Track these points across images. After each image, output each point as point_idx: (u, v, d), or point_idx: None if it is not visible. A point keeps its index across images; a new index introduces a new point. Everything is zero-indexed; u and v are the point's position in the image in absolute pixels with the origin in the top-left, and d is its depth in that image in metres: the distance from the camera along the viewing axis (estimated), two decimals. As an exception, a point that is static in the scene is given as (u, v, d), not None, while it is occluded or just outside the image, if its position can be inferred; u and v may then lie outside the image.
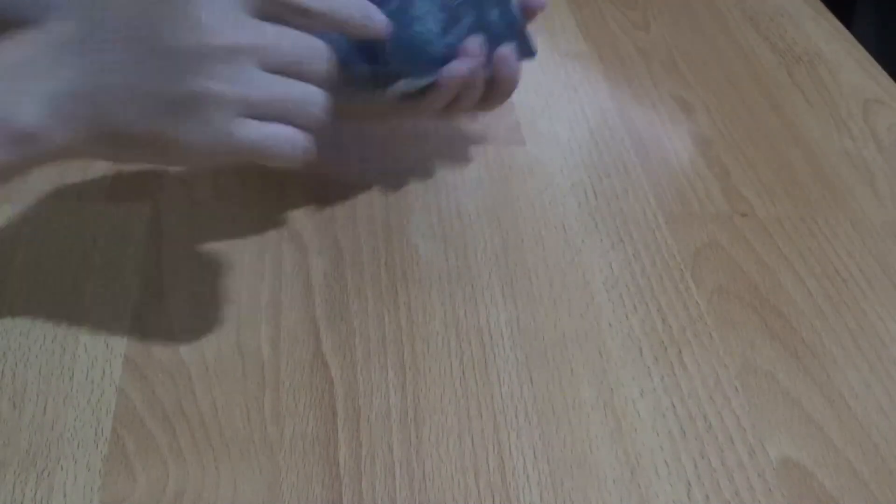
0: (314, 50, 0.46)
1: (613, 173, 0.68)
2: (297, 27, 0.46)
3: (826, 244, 0.64)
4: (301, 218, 0.61)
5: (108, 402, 0.49)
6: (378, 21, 0.49)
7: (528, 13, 0.61)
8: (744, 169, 0.70)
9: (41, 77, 0.43)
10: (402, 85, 0.55)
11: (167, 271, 0.56)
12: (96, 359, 0.51)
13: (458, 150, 0.68)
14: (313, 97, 0.46)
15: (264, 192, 0.63)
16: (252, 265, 0.57)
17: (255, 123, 0.44)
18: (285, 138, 0.45)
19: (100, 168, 0.62)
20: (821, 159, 0.72)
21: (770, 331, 0.57)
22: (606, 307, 0.57)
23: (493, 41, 0.57)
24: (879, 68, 0.84)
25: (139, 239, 0.58)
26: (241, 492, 0.45)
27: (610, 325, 0.56)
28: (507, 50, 0.58)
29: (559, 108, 0.75)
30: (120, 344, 0.52)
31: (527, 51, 0.59)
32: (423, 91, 0.56)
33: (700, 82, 0.80)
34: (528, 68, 0.78)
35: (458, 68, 0.56)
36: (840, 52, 0.86)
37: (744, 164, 0.71)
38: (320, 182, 0.63)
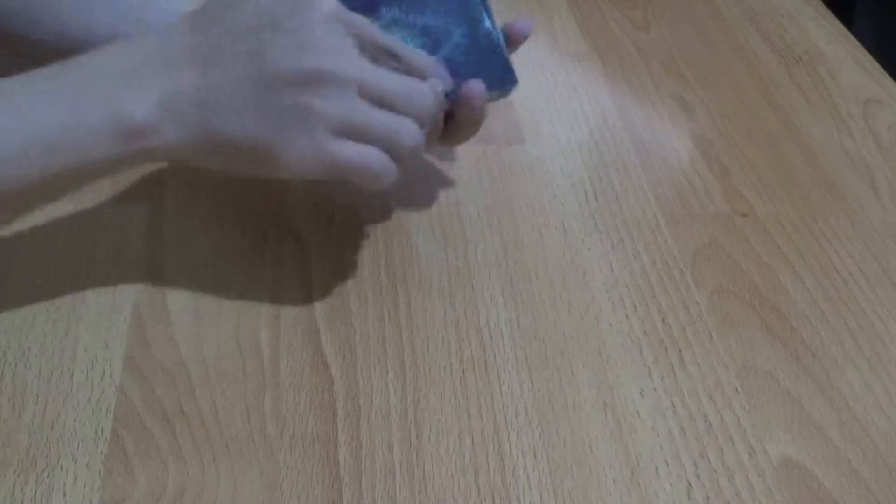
0: (414, 90, 0.50)
1: (613, 173, 0.68)
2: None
3: (826, 244, 0.64)
4: (301, 218, 0.61)
5: (108, 402, 0.49)
6: (444, 86, 0.52)
7: (513, 40, 0.58)
8: (744, 169, 0.70)
9: (158, 78, 0.46)
10: None
11: (167, 271, 0.56)
12: (96, 359, 0.51)
13: (458, 151, 0.68)
14: (410, 130, 0.49)
15: (264, 192, 0.63)
16: (252, 265, 0.57)
17: (352, 144, 0.47)
18: (379, 162, 0.48)
19: (100, 168, 0.62)
20: (821, 159, 0.72)
21: (770, 331, 0.57)
22: (606, 307, 0.57)
23: (472, 67, 0.54)
24: (879, 68, 0.84)
25: (139, 239, 0.58)
26: (241, 492, 0.45)
27: (610, 325, 0.56)
28: (474, 86, 0.54)
29: (559, 107, 0.75)
30: (120, 344, 0.52)
31: (510, 78, 0.56)
32: None
33: (700, 82, 0.80)
34: (528, 68, 0.78)
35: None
36: (840, 52, 0.86)
37: (744, 164, 0.71)
38: (320, 182, 0.63)
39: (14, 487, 0.44)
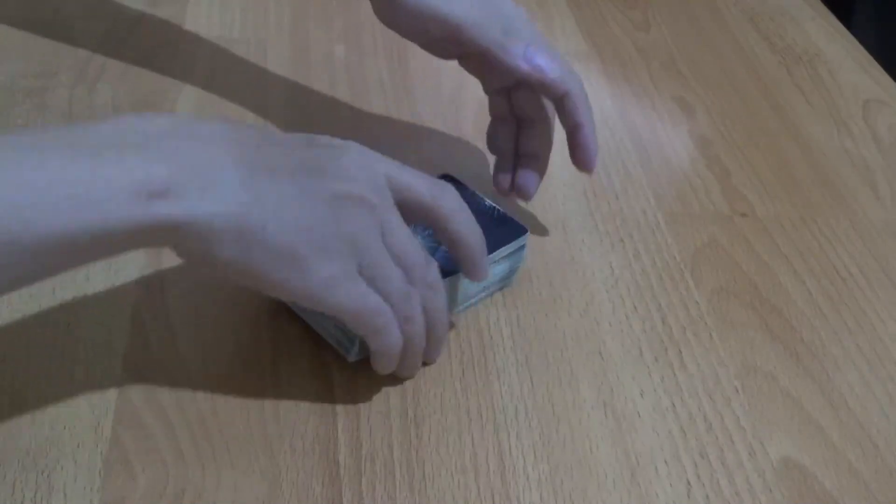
0: (428, 260, 0.48)
1: (613, 173, 0.68)
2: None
3: (826, 244, 0.64)
4: (301, 218, 0.61)
5: (107, 402, 0.49)
6: (483, 269, 0.51)
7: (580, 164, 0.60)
8: (744, 169, 0.70)
9: (192, 144, 0.43)
10: None
11: (167, 271, 0.56)
12: (96, 359, 0.51)
13: (458, 151, 0.68)
14: (434, 278, 0.48)
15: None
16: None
17: (361, 288, 0.46)
18: (386, 320, 0.46)
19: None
20: (821, 159, 0.72)
21: (770, 331, 0.57)
22: (606, 307, 0.57)
23: (489, 236, 0.54)
24: (879, 68, 0.84)
25: (139, 239, 0.58)
26: (241, 492, 0.45)
27: (610, 325, 0.56)
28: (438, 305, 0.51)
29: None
30: (120, 344, 0.52)
31: (522, 229, 0.57)
32: None
33: (700, 82, 0.80)
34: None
35: None
36: (840, 52, 0.86)
37: (744, 164, 0.71)
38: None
39: (14, 487, 0.44)
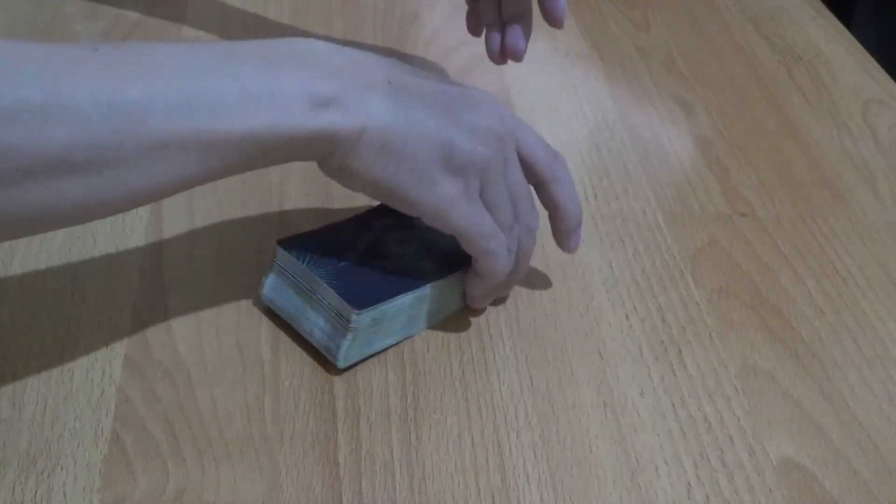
0: (534, 206, 0.53)
1: (613, 173, 0.68)
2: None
3: (826, 244, 0.64)
4: (301, 218, 0.61)
5: (108, 402, 0.49)
6: (577, 240, 0.56)
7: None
8: (744, 169, 0.70)
9: (355, 66, 0.47)
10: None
11: (167, 271, 0.56)
12: (96, 359, 0.51)
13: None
14: (535, 223, 0.53)
15: (265, 193, 0.63)
16: (252, 265, 0.57)
17: (482, 211, 0.50)
18: (500, 243, 0.51)
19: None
20: (821, 159, 0.72)
21: (770, 331, 0.57)
22: (606, 307, 0.57)
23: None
24: (879, 68, 0.84)
25: (139, 239, 0.58)
26: (241, 492, 0.45)
27: (610, 325, 0.56)
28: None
29: (559, 108, 0.75)
30: (120, 344, 0.52)
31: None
32: None
33: (700, 82, 0.80)
34: (529, 68, 0.78)
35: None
36: (840, 52, 0.86)
37: (744, 164, 0.71)
38: (320, 184, 0.63)
39: (14, 487, 0.44)
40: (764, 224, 0.65)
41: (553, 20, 0.63)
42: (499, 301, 0.57)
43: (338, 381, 0.51)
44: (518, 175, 0.51)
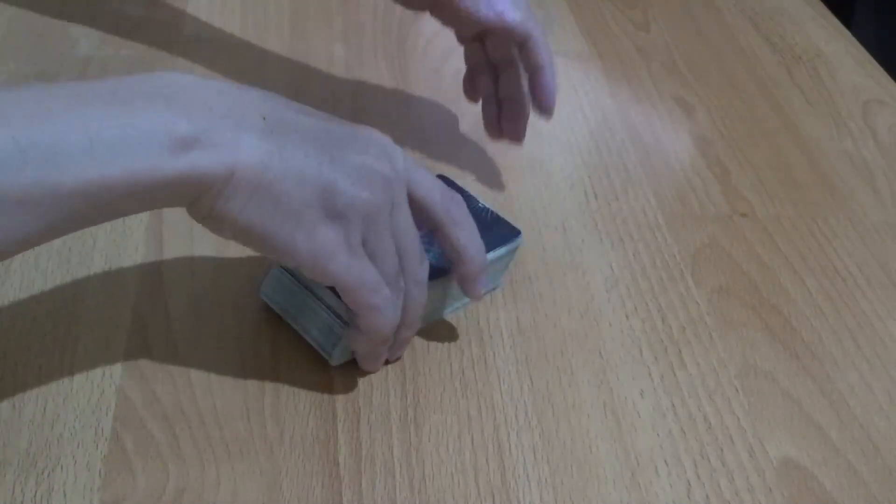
0: (423, 257, 0.49)
1: (613, 173, 0.68)
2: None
3: (826, 244, 0.64)
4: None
5: (108, 402, 0.49)
6: (482, 285, 0.51)
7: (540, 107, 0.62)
8: (744, 169, 0.70)
9: (223, 98, 0.43)
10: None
11: (167, 272, 0.56)
12: (96, 359, 0.51)
13: (458, 151, 0.68)
14: (423, 276, 0.49)
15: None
16: (251, 265, 0.57)
17: (364, 261, 0.46)
18: (383, 298, 0.46)
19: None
20: (821, 159, 0.72)
21: (770, 331, 0.57)
22: (606, 307, 0.57)
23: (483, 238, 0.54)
24: (879, 68, 0.84)
25: (139, 239, 0.58)
26: (241, 492, 0.45)
27: (610, 325, 0.56)
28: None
29: (559, 108, 0.74)
30: (120, 344, 0.52)
31: (515, 232, 0.56)
32: None
33: (700, 82, 0.80)
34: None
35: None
36: (840, 52, 0.86)
37: (744, 164, 0.71)
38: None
39: (14, 487, 0.44)
40: (764, 224, 0.65)
41: (543, 109, 0.61)
42: (392, 360, 0.52)
43: (338, 381, 0.51)
44: (406, 222, 0.47)
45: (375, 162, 0.45)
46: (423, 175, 0.49)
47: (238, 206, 0.42)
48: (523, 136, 0.64)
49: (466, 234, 0.50)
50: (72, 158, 0.38)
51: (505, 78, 0.64)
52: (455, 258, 0.50)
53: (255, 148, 0.42)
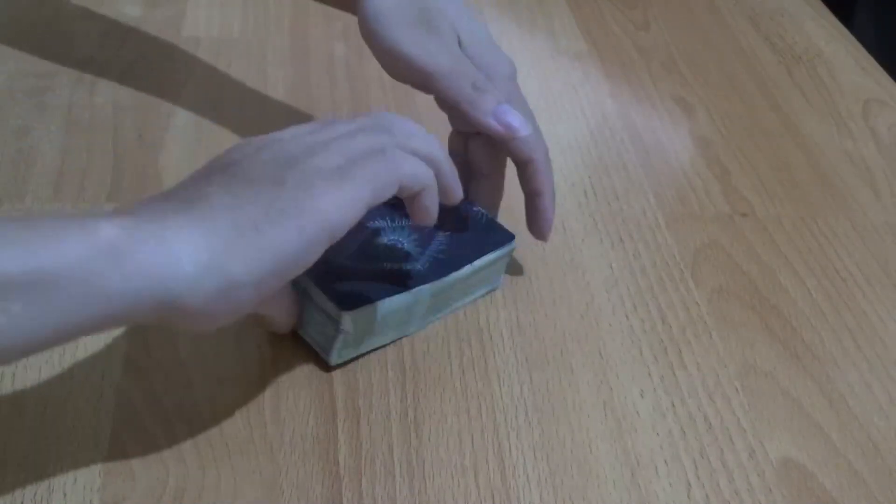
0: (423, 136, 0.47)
1: (613, 173, 0.68)
2: None
3: (826, 244, 0.64)
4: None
5: (108, 402, 0.49)
6: (456, 189, 0.49)
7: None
8: (744, 169, 0.70)
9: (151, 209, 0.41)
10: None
11: (167, 271, 0.56)
12: (96, 359, 0.51)
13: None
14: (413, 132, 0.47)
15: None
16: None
17: (349, 184, 0.43)
18: (414, 163, 0.45)
19: (99, 168, 0.62)
20: (821, 159, 0.72)
21: (770, 331, 0.57)
22: (606, 307, 0.57)
23: (471, 240, 0.55)
24: (879, 68, 0.84)
25: (139, 239, 0.58)
26: (241, 492, 0.45)
27: (610, 325, 0.56)
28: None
29: (559, 107, 0.75)
30: (120, 344, 0.52)
31: (508, 236, 0.56)
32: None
33: (700, 82, 0.80)
34: (528, 68, 0.78)
35: None
36: (840, 52, 0.86)
37: (744, 164, 0.71)
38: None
39: (14, 487, 0.44)
40: (764, 224, 0.65)
41: (539, 235, 0.57)
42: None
43: (338, 381, 0.51)
44: (353, 123, 0.46)
45: (292, 145, 0.45)
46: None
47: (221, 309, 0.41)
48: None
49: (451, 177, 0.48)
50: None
51: (480, 184, 0.58)
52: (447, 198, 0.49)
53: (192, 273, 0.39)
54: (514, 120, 0.54)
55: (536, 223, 0.57)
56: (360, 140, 0.45)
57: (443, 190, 0.48)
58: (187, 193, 0.42)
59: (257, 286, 0.41)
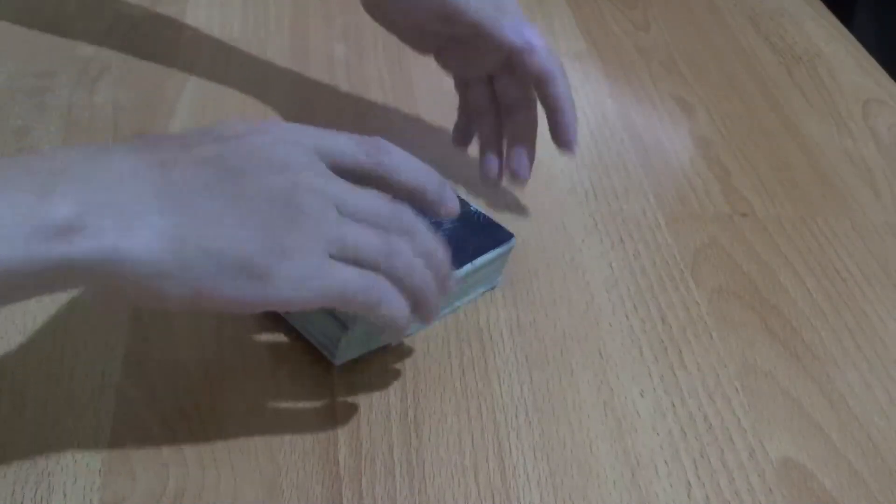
0: (395, 207, 0.45)
1: (613, 173, 0.68)
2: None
3: (826, 244, 0.64)
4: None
5: (108, 402, 0.49)
6: (450, 200, 0.48)
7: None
8: (744, 169, 0.70)
9: (98, 175, 0.40)
10: None
11: (167, 271, 0.56)
12: (96, 359, 0.51)
13: (458, 152, 0.68)
14: (402, 251, 0.44)
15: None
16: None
17: (349, 268, 0.42)
18: (378, 288, 0.43)
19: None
20: (821, 159, 0.72)
21: (770, 331, 0.57)
22: (606, 307, 0.57)
23: (472, 238, 0.55)
24: (879, 68, 0.84)
25: (139, 239, 0.58)
26: (241, 492, 0.45)
27: (610, 325, 0.56)
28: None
29: (559, 108, 0.74)
30: (120, 344, 0.52)
31: (508, 234, 0.56)
32: None
33: (700, 82, 0.80)
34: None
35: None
36: (840, 52, 0.86)
37: (744, 164, 0.71)
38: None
39: (14, 487, 0.44)
40: (764, 224, 0.65)
41: (564, 144, 0.60)
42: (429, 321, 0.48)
43: (338, 380, 0.51)
44: (353, 199, 0.43)
45: (286, 174, 0.42)
46: (333, 140, 0.45)
47: (167, 289, 0.39)
48: (529, 176, 0.62)
49: (407, 170, 0.47)
50: None
51: (514, 119, 0.61)
52: (408, 197, 0.47)
53: (156, 228, 0.39)
54: (534, 37, 0.58)
55: (563, 137, 0.60)
56: (373, 239, 0.43)
57: (416, 303, 0.46)
58: (185, 184, 0.41)
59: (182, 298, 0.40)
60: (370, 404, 0.50)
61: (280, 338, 0.53)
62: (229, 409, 0.49)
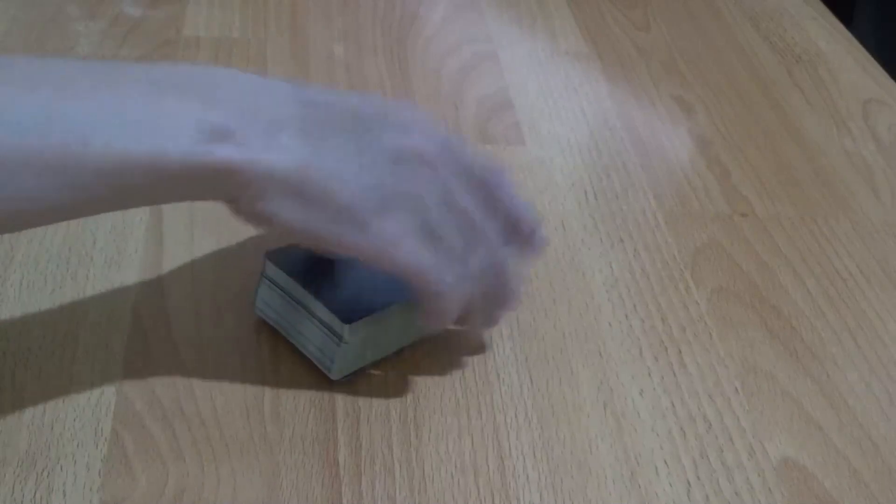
0: (491, 223, 0.47)
1: (613, 173, 0.68)
2: None
3: (826, 244, 0.64)
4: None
5: (107, 402, 0.49)
6: (540, 241, 0.50)
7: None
8: (744, 169, 0.70)
9: (255, 96, 0.43)
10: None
11: (167, 271, 0.56)
12: (96, 359, 0.51)
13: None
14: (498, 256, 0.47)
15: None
16: (252, 265, 0.57)
17: (431, 247, 0.45)
18: (445, 286, 0.46)
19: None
20: (821, 159, 0.72)
21: (770, 331, 0.57)
22: (606, 307, 0.57)
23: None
24: (879, 68, 0.84)
25: (139, 239, 0.58)
26: (241, 492, 0.45)
27: (610, 325, 0.56)
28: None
29: (559, 108, 0.75)
30: (120, 344, 0.52)
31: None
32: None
33: (700, 82, 0.80)
34: (528, 68, 0.78)
35: None
36: (840, 52, 0.86)
37: (744, 164, 0.71)
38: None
39: (14, 487, 0.44)
40: (764, 224, 0.65)
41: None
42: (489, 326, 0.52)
43: (338, 381, 0.51)
44: (463, 197, 0.46)
45: (415, 141, 0.45)
46: (461, 143, 0.48)
47: (281, 208, 0.42)
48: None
49: (514, 199, 0.49)
50: (98, 131, 0.38)
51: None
52: (509, 219, 0.49)
53: (291, 150, 0.42)
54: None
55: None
56: (459, 236, 0.46)
57: (472, 308, 0.49)
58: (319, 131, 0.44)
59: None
60: (370, 404, 0.50)
61: (280, 337, 0.53)
62: (229, 409, 0.49)
